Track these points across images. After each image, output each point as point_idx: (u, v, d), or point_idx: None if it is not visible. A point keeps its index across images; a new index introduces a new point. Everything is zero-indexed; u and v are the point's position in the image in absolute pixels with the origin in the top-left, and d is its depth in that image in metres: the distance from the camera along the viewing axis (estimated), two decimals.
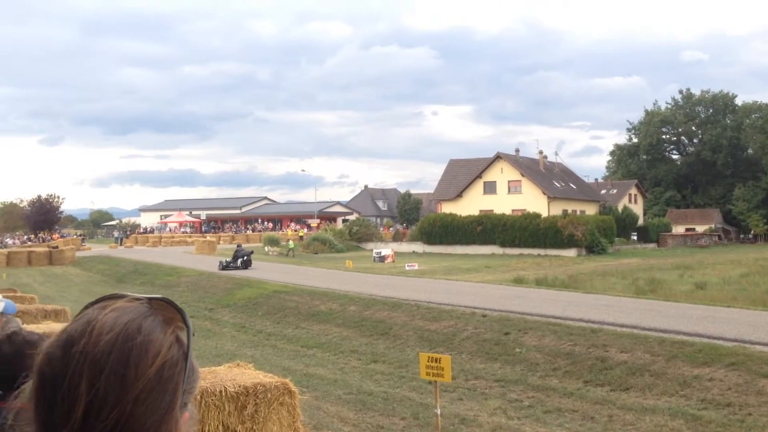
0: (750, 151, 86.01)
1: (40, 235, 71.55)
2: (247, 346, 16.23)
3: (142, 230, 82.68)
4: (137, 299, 0.93)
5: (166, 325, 0.92)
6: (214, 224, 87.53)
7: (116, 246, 64.72)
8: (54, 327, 12.08)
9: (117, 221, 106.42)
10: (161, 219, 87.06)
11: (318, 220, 77.04)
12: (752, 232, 77.93)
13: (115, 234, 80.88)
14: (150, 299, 0.94)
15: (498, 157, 61.22)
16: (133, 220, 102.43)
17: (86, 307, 0.93)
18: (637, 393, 10.68)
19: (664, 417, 9.36)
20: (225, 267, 32.24)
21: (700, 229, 75.38)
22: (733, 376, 10.45)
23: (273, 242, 54.04)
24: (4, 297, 3.62)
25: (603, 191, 74.96)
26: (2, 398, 2.90)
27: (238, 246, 39.47)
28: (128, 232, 79.78)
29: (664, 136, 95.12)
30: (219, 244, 56.60)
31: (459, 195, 61.93)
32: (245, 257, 33.48)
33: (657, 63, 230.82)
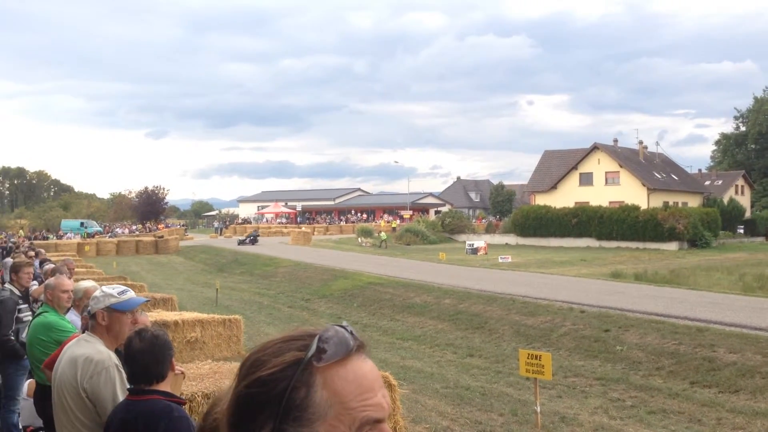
0: None
1: (147, 225, 75.16)
2: None
3: (240, 221, 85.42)
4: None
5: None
6: (309, 215, 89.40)
7: (216, 236, 67.16)
8: (164, 315, 12.70)
9: (216, 212, 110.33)
10: (258, 210, 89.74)
11: (411, 212, 77.33)
12: None
13: (215, 224, 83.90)
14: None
15: (595, 148, 59.58)
16: (231, 210, 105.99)
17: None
18: (748, 396, 10.23)
19: None
20: (241, 242, 46.87)
21: None
22: None
23: (366, 233, 54.68)
24: (122, 286, 3.84)
25: (707, 182, 71.66)
26: (133, 392, 3.13)
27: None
28: (227, 223, 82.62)
29: None
30: (314, 235, 57.78)
31: (553, 187, 60.72)
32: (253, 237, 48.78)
33: None
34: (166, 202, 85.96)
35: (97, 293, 3.73)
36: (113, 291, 3.69)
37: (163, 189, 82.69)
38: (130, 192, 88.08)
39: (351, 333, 1.02)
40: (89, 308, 3.70)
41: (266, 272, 30.60)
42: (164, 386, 3.10)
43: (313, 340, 0.99)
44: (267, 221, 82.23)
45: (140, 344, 3.09)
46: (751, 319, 14.10)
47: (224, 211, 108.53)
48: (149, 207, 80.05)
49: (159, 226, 73.64)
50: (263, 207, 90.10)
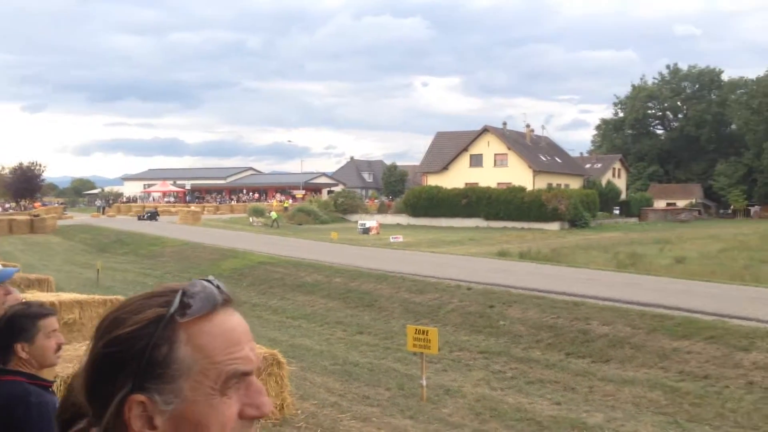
0: (734, 126, 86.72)
1: (22, 203, 70.89)
2: None
3: (125, 199, 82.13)
4: None
5: None
6: (199, 194, 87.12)
7: (99, 215, 64.29)
8: (39, 296, 12.06)
9: (99, 190, 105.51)
10: (144, 188, 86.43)
11: (303, 192, 76.89)
12: (732, 207, 78.85)
13: (98, 203, 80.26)
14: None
15: (485, 130, 61.24)
16: (115, 189, 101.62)
17: None
18: (617, 365, 10.90)
19: (642, 388, 9.59)
20: (141, 218, 46.47)
21: (681, 203, 76.18)
22: (711, 349, 10.69)
23: (258, 213, 53.93)
24: None
25: (588, 165, 75.33)
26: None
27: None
28: (111, 201, 79.19)
29: (649, 111, 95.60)
30: (204, 214, 56.38)
31: (445, 168, 61.99)
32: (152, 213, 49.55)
33: (650, 37, 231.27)
34: (43, 179, 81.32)
35: None
36: None
37: (40, 165, 78.18)
38: (3, 168, 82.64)
39: (218, 287, 0.99)
40: None
41: (152, 252, 29.60)
42: (28, 366, 2.91)
43: (176, 295, 0.96)
44: (154, 200, 79.42)
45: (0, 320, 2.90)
46: (623, 293, 14.98)
47: (107, 189, 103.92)
48: (24, 184, 75.45)
49: (35, 204, 69.59)
50: (150, 185, 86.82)
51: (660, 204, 74.93)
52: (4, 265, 3.67)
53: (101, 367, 0.94)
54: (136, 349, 0.92)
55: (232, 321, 0.99)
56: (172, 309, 0.94)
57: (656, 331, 11.77)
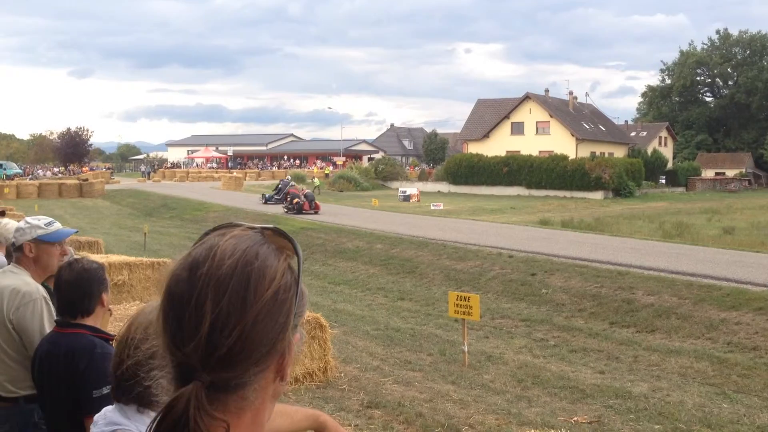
0: None
1: (71, 167, 72.50)
2: None
3: (169, 165, 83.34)
4: (252, 228, 1.00)
5: (279, 252, 0.98)
6: (240, 160, 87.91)
7: (144, 180, 65.44)
8: (91, 258, 12.41)
9: (144, 155, 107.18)
10: (188, 154, 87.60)
11: (344, 158, 76.96)
12: None
13: (143, 168, 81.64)
14: (264, 228, 1.00)
15: (527, 98, 60.27)
16: (160, 154, 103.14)
17: (206, 234, 1.00)
18: (663, 335, 10.76)
19: (689, 359, 9.45)
20: (267, 201, 33.88)
21: (730, 173, 74.12)
22: (760, 320, 10.47)
23: (299, 180, 54.24)
24: (48, 218, 3.71)
25: (633, 134, 73.73)
26: (60, 324, 3.03)
27: (281, 181, 37.75)
28: (156, 167, 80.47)
29: (698, 78, 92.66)
30: (246, 180, 56.95)
31: (486, 135, 61.33)
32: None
33: (701, 1, 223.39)
34: (90, 144, 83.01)
35: (21, 224, 3.60)
36: (39, 222, 3.56)
37: (87, 131, 79.85)
38: (52, 133, 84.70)
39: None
40: (14, 240, 3.57)
41: (196, 217, 30.10)
42: (92, 321, 3.01)
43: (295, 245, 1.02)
44: (197, 166, 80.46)
45: (68, 276, 2.98)
46: (668, 263, 14.74)
47: (152, 155, 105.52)
48: (72, 149, 77.12)
49: (83, 168, 71.13)
50: (193, 151, 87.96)
51: (708, 173, 73.04)
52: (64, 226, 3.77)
53: (272, 310, 0.93)
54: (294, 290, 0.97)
55: None
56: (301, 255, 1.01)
57: (703, 301, 11.56)
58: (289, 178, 40.33)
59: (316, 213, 27.92)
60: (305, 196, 29.04)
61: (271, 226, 1.01)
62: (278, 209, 29.83)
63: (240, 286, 0.91)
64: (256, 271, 0.93)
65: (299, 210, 28.00)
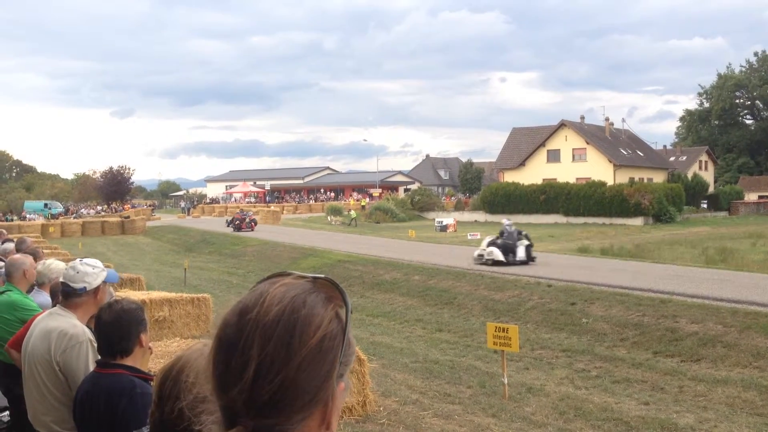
0: None
1: (113, 205, 74.10)
2: None
3: (208, 200, 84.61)
4: (303, 277, 1.04)
5: (328, 301, 1.01)
6: (278, 194, 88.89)
7: (184, 216, 66.50)
8: (131, 294, 12.60)
9: (184, 192, 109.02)
10: (226, 189, 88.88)
11: (380, 190, 77.29)
12: None
13: (183, 204, 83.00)
14: (314, 278, 1.04)
15: (562, 125, 59.99)
16: (199, 190, 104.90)
17: (259, 282, 1.05)
18: (709, 364, 10.50)
19: (736, 388, 9.21)
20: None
21: None
22: None
23: (335, 212, 54.59)
24: (95, 260, 3.81)
25: (672, 158, 72.73)
26: (100, 365, 3.10)
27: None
28: (195, 203, 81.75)
29: (737, 101, 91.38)
30: (283, 214, 57.51)
31: (522, 164, 61.09)
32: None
33: (740, 24, 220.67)
34: (132, 182, 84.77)
35: (85, 269, 3.65)
36: (97, 264, 3.67)
37: (129, 169, 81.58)
38: (95, 172, 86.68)
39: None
40: (85, 285, 3.63)
41: (235, 251, 30.43)
42: (131, 361, 3.07)
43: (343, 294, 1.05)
44: (235, 201, 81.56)
45: (108, 317, 3.06)
46: (712, 290, 14.42)
47: (192, 191, 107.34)
48: (115, 187, 78.86)
49: (125, 206, 72.63)
50: (231, 186, 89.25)
51: (751, 197, 71.52)
52: (106, 266, 3.87)
53: (317, 357, 0.96)
54: (339, 339, 1.00)
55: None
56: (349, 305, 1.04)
57: (750, 328, 11.27)
58: None
59: None
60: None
61: (322, 276, 1.05)
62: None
63: (285, 332, 0.95)
64: (302, 318, 0.96)
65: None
